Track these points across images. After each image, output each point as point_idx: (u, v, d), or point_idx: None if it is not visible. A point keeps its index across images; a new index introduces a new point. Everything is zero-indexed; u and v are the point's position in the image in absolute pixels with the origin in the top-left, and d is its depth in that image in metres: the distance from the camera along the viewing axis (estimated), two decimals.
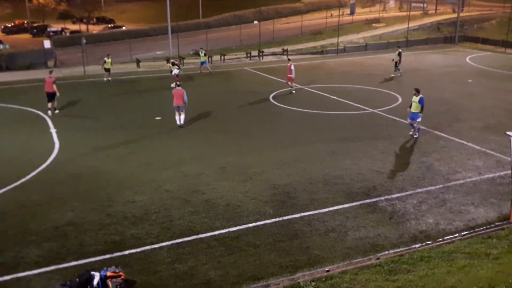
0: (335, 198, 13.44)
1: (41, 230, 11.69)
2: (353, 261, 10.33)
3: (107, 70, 31.65)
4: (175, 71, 29.28)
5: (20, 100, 25.83)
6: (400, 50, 33.01)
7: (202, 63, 34.76)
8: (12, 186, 14.34)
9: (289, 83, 27.44)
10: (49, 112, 22.71)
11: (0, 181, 14.63)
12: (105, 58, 31.70)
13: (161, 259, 10.48)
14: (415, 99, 18.48)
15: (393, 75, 32.07)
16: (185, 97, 20.26)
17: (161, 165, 16.03)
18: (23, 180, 14.80)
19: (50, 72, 23.86)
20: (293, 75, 27.05)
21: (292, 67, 27.00)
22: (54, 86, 22.63)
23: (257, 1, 59.12)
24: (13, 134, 19.78)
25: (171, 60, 33.52)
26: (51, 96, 22.74)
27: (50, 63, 38.64)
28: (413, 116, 18.61)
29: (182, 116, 20.60)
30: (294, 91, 27.28)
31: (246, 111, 23.50)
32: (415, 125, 18.76)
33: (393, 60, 32.76)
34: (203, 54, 34.44)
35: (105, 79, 31.60)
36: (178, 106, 20.37)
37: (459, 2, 55.92)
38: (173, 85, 25.99)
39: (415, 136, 18.75)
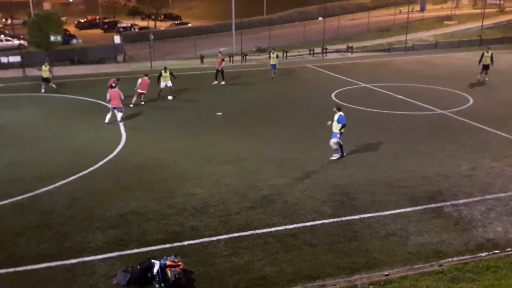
0: (398, 201, 13.01)
1: (106, 217, 12.20)
2: (414, 267, 9.96)
3: (46, 80, 27.65)
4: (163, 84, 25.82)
5: (91, 92, 27.12)
6: (491, 52, 28.83)
7: (273, 66, 30.50)
8: (81, 174, 15.09)
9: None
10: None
11: (70, 169, 15.45)
12: (43, 66, 28.00)
13: (218, 251, 10.61)
14: (335, 116, 15.91)
15: (486, 78, 28.46)
16: (122, 96, 20.77)
17: (220, 160, 16.24)
18: (91, 169, 15.52)
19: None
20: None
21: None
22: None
23: None
24: (83, 125, 20.83)
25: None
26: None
27: (120, 57, 40.29)
28: (333, 135, 15.96)
29: (120, 114, 20.97)
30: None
31: (307, 108, 23.29)
32: (334, 147, 16.04)
33: (480, 62, 28.69)
34: (274, 56, 30.24)
35: (42, 90, 27.52)
36: (114, 106, 20.75)
37: None
38: (170, 97, 25.68)
39: (332, 158, 16.02)
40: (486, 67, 28.36)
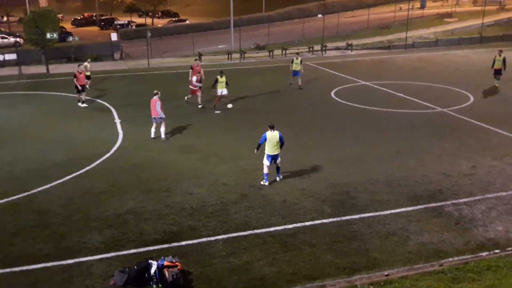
0: (398, 200, 12.89)
1: (103, 217, 12.07)
2: (414, 267, 9.87)
3: (87, 77, 26.75)
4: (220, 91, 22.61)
5: (87, 90, 26.87)
6: (504, 55, 25.76)
7: (295, 73, 26.75)
8: (78, 173, 14.94)
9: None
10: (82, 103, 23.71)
11: (67, 168, 15.31)
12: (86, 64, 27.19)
13: (216, 251, 10.49)
14: (276, 135, 13.61)
15: (497, 84, 25.88)
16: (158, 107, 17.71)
17: (219, 159, 16.11)
18: (87, 168, 15.38)
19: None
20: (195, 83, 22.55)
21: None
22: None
23: None
24: (80, 124, 20.68)
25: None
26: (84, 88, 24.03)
27: (116, 55, 40.11)
28: (274, 158, 13.79)
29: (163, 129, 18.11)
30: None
31: (306, 107, 23.16)
32: (279, 165, 14.04)
33: (493, 67, 26.02)
34: (298, 61, 26.61)
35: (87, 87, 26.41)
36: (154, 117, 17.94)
37: None
38: (230, 105, 22.59)
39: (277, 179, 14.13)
40: (498, 72, 25.69)
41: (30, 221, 11.88)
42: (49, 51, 35.60)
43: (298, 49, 42.28)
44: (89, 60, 29.01)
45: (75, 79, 23.45)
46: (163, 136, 18.09)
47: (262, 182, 13.97)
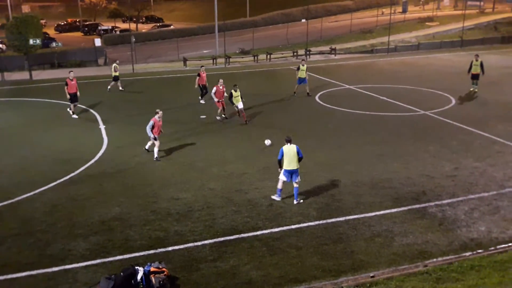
0: (382, 202, 13.04)
1: (88, 224, 11.99)
2: (399, 268, 10.00)
3: (116, 78, 27.80)
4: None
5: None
6: (480, 59, 25.62)
7: (301, 80, 25.60)
8: (62, 179, 14.82)
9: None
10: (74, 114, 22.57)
11: (51, 175, 15.17)
12: (115, 65, 28.07)
13: (203, 256, 10.50)
14: (293, 148, 12.91)
15: (476, 90, 25.71)
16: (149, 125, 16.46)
17: (205, 163, 16.12)
18: (72, 174, 15.26)
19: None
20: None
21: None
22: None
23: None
24: (64, 130, 20.51)
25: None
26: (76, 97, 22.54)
27: (101, 60, 39.86)
28: (292, 175, 12.92)
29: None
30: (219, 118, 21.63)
31: (291, 111, 23.29)
32: (296, 185, 13.05)
33: (469, 72, 25.84)
34: (304, 68, 25.41)
35: (120, 88, 27.91)
36: None
37: None
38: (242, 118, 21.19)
39: (295, 202, 13.08)
40: (475, 77, 25.62)
41: (14, 229, 11.75)
42: (32, 57, 35.22)
43: (282, 53, 42.50)
44: (117, 61, 29.40)
45: (66, 87, 22.18)
46: (155, 156, 16.57)
47: (273, 197, 13.21)
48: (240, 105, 21.16)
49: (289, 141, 12.94)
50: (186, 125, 20.87)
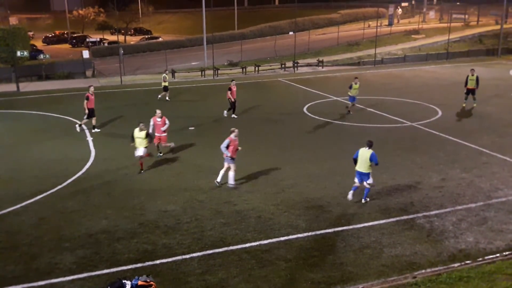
0: (371, 213, 13.08)
1: (75, 237, 11.84)
2: (388, 279, 10.00)
3: (166, 88, 28.28)
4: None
5: (59, 108, 26.54)
6: (476, 74, 25.26)
7: (352, 98, 24.46)
8: (49, 192, 14.65)
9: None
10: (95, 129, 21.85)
11: (38, 187, 14.98)
12: (165, 75, 28.63)
13: (191, 269, 10.41)
14: (366, 153, 13.45)
15: (475, 105, 25.29)
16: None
17: (193, 175, 16.05)
18: (59, 187, 15.09)
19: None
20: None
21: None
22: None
23: (293, 12, 59.17)
24: (51, 142, 20.29)
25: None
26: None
27: (89, 73, 39.68)
28: (362, 177, 13.66)
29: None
30: None
31: (280, 122, 23.35)
32: (367, 186, 13.68)
33: (466, 86, 25.37)
34: (357, 86, 24.23)
35: (167, 99, 28.46)
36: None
37: (503, 13, 54.27)
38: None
39: (363, 201, 13.77)
40: (471, 92, 25.19)
41: (0, 243, 11.55)
42: (20, 69, 34.97)
43: (270, 65, 42.70)
44: (167, 71, 29.94)
45: (86, 102, 21.14)
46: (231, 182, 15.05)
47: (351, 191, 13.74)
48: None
49: (369, 145, 13.50)
50: (174, 137, 20.76)
